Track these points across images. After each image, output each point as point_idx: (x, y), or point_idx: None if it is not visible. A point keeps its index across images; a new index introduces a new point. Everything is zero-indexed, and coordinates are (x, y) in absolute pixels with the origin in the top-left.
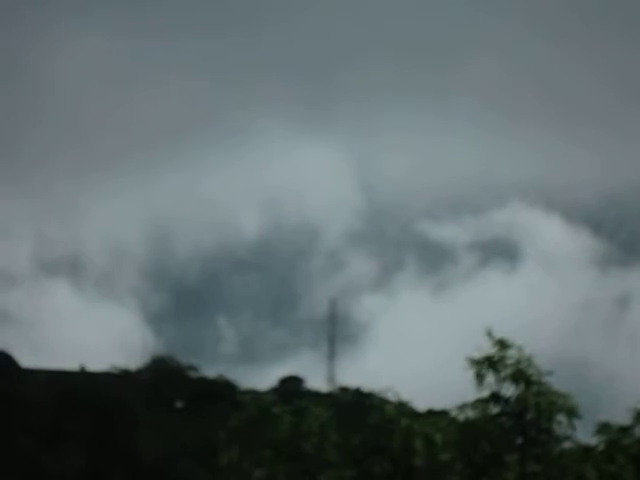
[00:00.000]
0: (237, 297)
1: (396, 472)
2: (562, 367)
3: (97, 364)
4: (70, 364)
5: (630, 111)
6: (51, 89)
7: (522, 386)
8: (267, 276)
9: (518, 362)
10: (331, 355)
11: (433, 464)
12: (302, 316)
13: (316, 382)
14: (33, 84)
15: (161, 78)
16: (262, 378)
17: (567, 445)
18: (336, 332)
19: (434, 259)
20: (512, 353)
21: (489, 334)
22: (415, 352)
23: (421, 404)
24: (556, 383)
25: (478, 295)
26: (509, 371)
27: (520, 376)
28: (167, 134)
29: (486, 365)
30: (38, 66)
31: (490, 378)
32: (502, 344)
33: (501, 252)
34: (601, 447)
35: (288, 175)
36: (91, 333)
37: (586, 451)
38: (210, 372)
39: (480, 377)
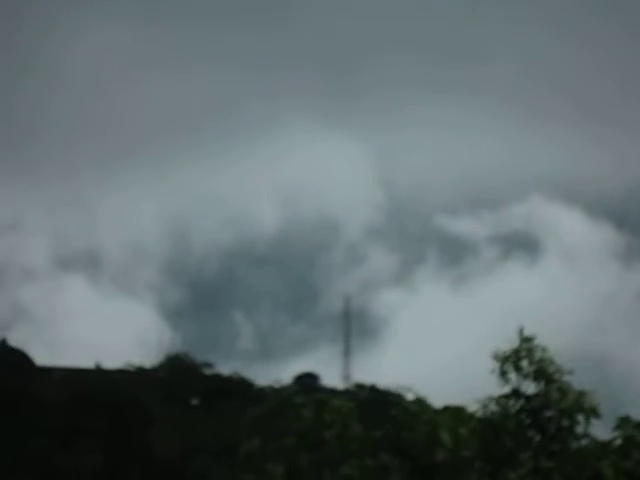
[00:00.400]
0: (255, 292)
1: (418, 466)
2: (583, 361)
3: (114, 361)
4: (86, 361)
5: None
6: (67, 80)
7: (543, 384)
8: (286, 271)
9: (541, 360)
10: (347, 352)
11: (455, 459)
12: (321, 311)
13: (333, 378)
14: (49, 75)
15: (181, 68)
16: (279, 374)
17: (584, 442)
18: (354, 327)
19: (454, 253)
20: (536, 350)
21: (520, 331)
22: (435, 347)
23: (440, 400)
24: (576, 377)
25: (499, 289)
26: (532, 368)
27: (542, 374)
28: (186, 126)
29: (511, 361)
30: (53, 57)
31: (512, 374)
32: (529, 341)
33: (522, 246)
34: (618, 443)
35: (308, 169)
36: (108, 329)
37: (603, 447)
38: (227, 368)
39: (504, 373)
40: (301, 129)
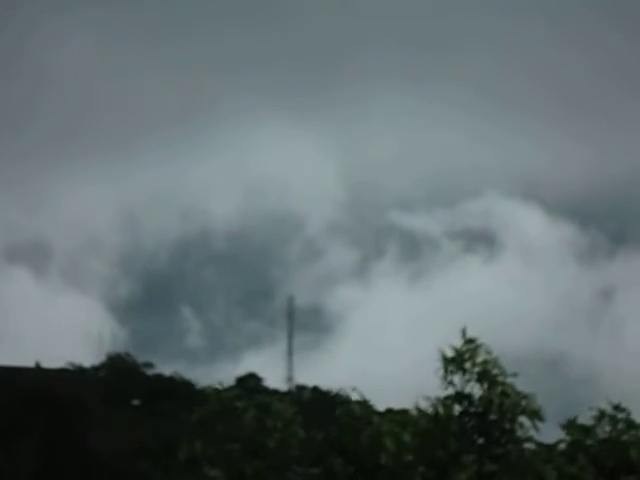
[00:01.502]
0: (208, 288)
1: (360, 471)
2: (540, 360)
3: (57, 357)
4: (27, 359)
5: (623, 101)
6: (29, 76)
7: (486, 386)
8: (241, 266)
9: (485, 362)
10: (290, 353)
11: (398, 464)
12: (277, 308)
13: (278, 379)
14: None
15: (150, 68)
16: (229, 371)
17: (529, 446)
18: (313, 324)
19: (413, 249)
20: (480, 352)
21: (463, 332)
22: (389, 344)
23: (391, 399)
24: (532, 377)
25: (457, 286)
26: (475, 370)
27: (485, 376)
28: (150, 125)
29: (456, 363)
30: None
31: (456, 377)
32: (472, 342)
33: (480, 242)
34: (563, 447)
35: (270, 164)
36: (52, 325)
37: (548, 451)
38: (175, 365)
39: (447, 375)
40: (264, 124)
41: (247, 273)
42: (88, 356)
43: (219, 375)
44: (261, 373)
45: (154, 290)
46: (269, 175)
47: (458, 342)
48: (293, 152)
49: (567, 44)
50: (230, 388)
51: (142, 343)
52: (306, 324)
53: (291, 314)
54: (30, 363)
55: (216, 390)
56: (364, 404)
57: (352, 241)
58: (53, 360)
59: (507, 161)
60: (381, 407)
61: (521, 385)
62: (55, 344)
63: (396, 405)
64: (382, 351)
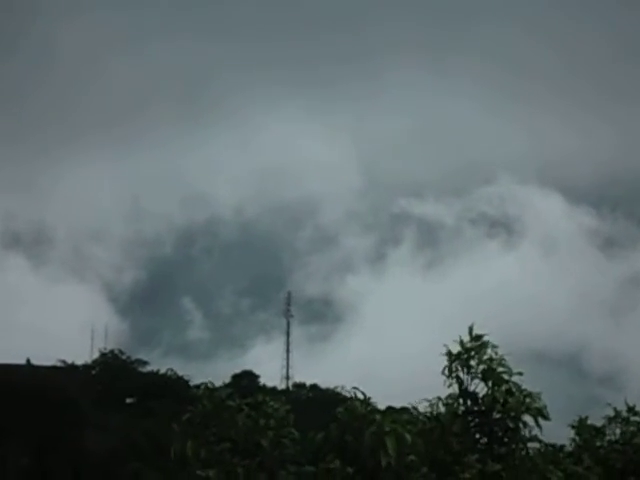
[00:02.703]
0: (215, 277)
1: (360, 471)
2: (559, 354)
3: (52, 350)
4: (22, 351)
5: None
6: (28, 56)
7: (490, 384)
8: (252, 254)
9: (491, 359)
10: (287, 351)
11: (400, 464)
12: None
13: (278, 374)
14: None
15: (151, 45)
16: (236, 363)
17: (534, 445)
18: (325, 313)
19: (428, 237)
20: (486, 350)
21: (470, 329)
22: (403, 334)
23: (400, 395)
24: (551, 372)
25: (473, 276)
26: (481, 368)
27: (490, 374)
28: (156, 106)
29: (462, 360)
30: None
31: (461, 374)
32: (479, 339)
33: (499, 230)
34: (571, 447)
35: (281, 148)
36: (49, 316)
37: (555, 452)
38: (179, 358)
39: (452, 372)
40: (273, 105)
41: (256, 261)
42: (85, 351)
43: (224, 368)
44: (268, 365)
45: (157, 279)
46: (280, 160)
47: (468, 336)
48: (305, 134)
49: (578, 21)
50: (224, 387)
51: (144, 335)
52: (317, 314)
53: (288, 311)
54: (23, 358)
55: (208, 390)
56: (365, 402)
57: (366, 228)
58: (48, 355)
59: (527, 141)
60: (383, 404)
61: (538, 380)
62: (50, 338)
63: (403, 401)
64: (393, 344)
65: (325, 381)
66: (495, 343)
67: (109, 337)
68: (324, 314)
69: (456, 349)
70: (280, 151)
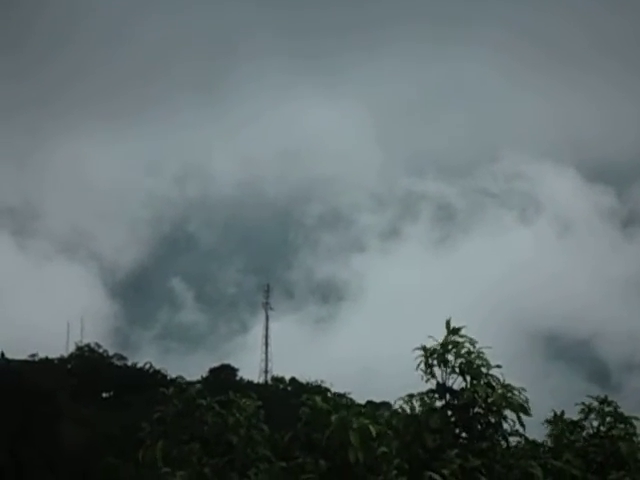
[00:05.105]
0: (220, 255)
1: (330, 467)
2: (574, 338)
3: (28, 344)
4: (10, 336)
5: None
6: (46, 18)
7: (469, 378)
8: (259, 232)
9: (469, 353)
10: (266, 344)
11: (370, 458)
12: (296, 277)
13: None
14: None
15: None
16: (238, 346)
17: (516, 440)
18: (329, 294)
19: (443, 215)
20: (464, 343)
21: (447, 323)
22: (410, 314)
23: (398, 380)
24: (564, 355)
25: (488, 254)
26: (458, 362)
27: (469, 368)
28: (167, 75)
29: (440, 354)
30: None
31: (437, 369)
32: (456, 332)
33: (514, 208)
34: (550, 442)
35: (293, 123)
36: (35, 299)
37: (535, 447)
38: (176, 343)
39: (429, 367)
40: (281, 81)
41: (264, 240)
42: (61, 344)
43: (220, 353)
44: (249, 359)
45: (155, 259)
46: (297, 138)
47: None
48: (322, 111)
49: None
50: (196, 382)
51: (136, 320)
52: (325, 295)
53: (267, 304)
54: (8, 347)
55: (180, 388)
56: (328, 398)
57: (378, 205)
58: (23, 349)
59: (544, 113)
60: (379, 398)
61: (552, 365)
62: (26, 330)
63: (402, 393)
64: (400, 327)
65: (327, 374)
66: (490, 331)
67: (98, 323)
68: (332, 295)
69: (432, 344)
70: (292, 127)
